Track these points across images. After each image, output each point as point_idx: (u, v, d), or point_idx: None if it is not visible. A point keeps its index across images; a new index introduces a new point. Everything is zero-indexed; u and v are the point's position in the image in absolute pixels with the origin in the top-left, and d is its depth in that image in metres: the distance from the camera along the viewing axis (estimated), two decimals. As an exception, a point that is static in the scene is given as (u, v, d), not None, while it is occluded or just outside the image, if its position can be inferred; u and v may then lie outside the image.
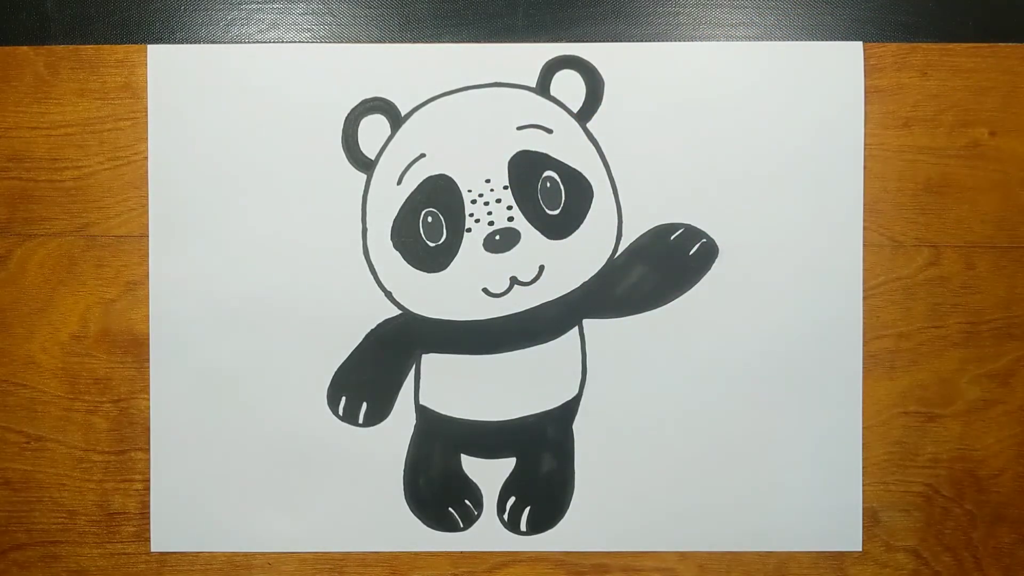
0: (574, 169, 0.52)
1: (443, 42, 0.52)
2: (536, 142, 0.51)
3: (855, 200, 0.52)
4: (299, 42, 0.53)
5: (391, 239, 0.52)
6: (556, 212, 0.51)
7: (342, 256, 0.52)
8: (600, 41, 0.52)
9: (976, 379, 0.53)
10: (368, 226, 0.52)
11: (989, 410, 0.53)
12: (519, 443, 0.53)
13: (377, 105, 0.52)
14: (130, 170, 0.52)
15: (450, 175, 0.51)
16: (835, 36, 0.52)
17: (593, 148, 0.52)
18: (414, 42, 0.52)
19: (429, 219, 0.51)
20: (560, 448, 0.53)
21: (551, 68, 0.52)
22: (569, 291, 0.52)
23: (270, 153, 0.52)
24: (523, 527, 0.53)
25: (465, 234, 0.51)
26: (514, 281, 0.52)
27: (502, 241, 0.51)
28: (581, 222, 0.52)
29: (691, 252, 0.52)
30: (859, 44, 0.52)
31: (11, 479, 0.53)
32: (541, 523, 0.53)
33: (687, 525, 0.53)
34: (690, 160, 0.52)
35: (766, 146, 0.52)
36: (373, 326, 0.52)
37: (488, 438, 0.53)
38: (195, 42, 0.52)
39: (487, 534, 0.53)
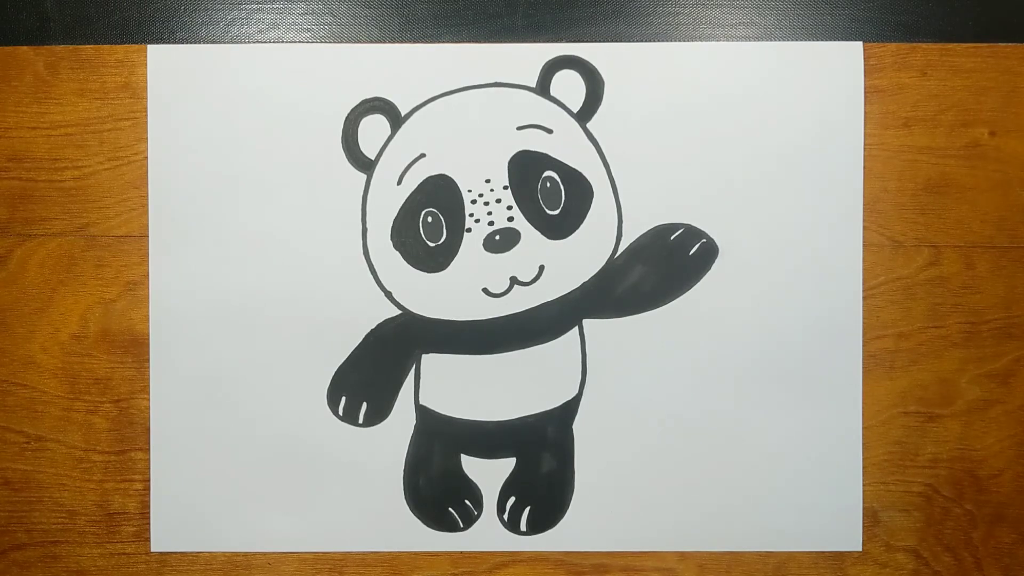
0: (574, 169, 0.52)
1: (443, 42, 0.52)
2: (536, 142, 0.51)
3: (855, 200, 0.52)
4: (299, 42, 0.53)
5: (391, 239, 0.52)
6: (556, 212, 0.51)
7: (342, 256, 0.52)
8: (600, 41, 0.52)
9: (976, 379, 0.53)
10: (368, 226, 0.52)
11: (989, 410, 0.53)
12: (519, 443, 0.53)
13: (377, 105, 0.52)
14: (130, 170, 0.52)
15: (450, 175, 0.51)
16: (835, 36, 0.52)
17: (593, 148, 0.52)
18: (414, 42, 0.52)
19: (429, 219, 0.51)
20: (560, 448, 0.53)
21: (551, 68, 0.52)
22: (569, 291, 0.52)
23: (270, 153, 0.52)
24: (523, 527, 0.53)
25: (465, 234, 0.51)
26: (514, 281, 0.52)
27: (502, 241, 0.51)
28: (581, 222, 0.52)
29: (691, 252, 0.52)
30: (859, 44, 0.52)
31: (11, 479, 0.53)
32: (541, 523, 0.53)
33: (687, 525, 0.53)
34: (690, 160, 0.52)
35: (766, 146, 0.52)
36: (373, 326, 0.52)
37: (488, 438, 0.53)
38: (195, 42, 0.52)
39: (487, 534, 0.53)
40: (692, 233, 0.52)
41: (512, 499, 0.53)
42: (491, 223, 0.51)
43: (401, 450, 0.53)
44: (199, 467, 0.53)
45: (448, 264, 0.52)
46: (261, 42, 0.53)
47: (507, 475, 0.53)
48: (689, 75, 0.52)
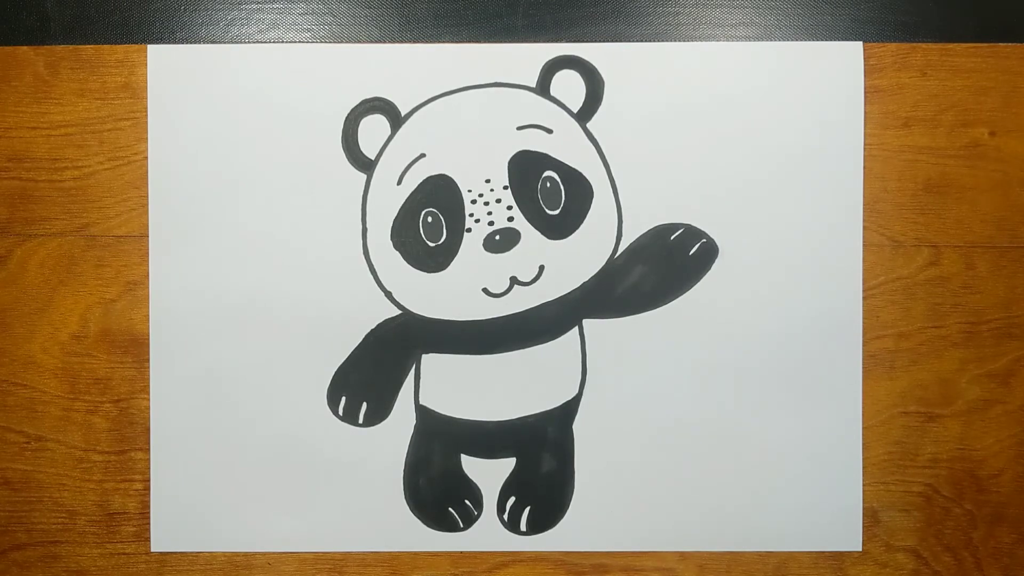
0: (574, 169, 0.52)
1: (443, 42, 0.52)
2: (536, 142, 0.51)
3: (855, 200, 0.52)
4: (299, 42, 0.53)
5: (391, 239, 0.52)
6: (556, 212, 0.51)
7: (342, 256, 0.52)
8: (600, 41, 0.52)
9: (976, 379, 0.53)
10: (368, 226, 0.52)
11: (989, 410, 0.53)
12: (519, 443, 0.53)
13: (377, 105, 0.52)
14: (130, 170, 0.52)
15: (450, 175, 0.51)
16: (835, 36, 0.52)
17: (593, 148, 0.52)
18: (414, 42, 0.52)
19: (429, 219, 0.51)
20: (560, 448, 0.53)
21: (551, 68, 0.52)
22: (569, 291, 0.52)
23: (270, 153, 0.52)
24: (523, 527, 0.53)
25: (465, 234, 0.51)
26: (514, 281, 0.52)
27: (502, 241, 0.51)
28: (581, 222, 0.52)
29: (691, 252, 0.52)
30: (859, 44, 0.52)
31: (11, 479, 0.53)
32: (541, 523, 0.53)
33: (687, 525, 0.53)
34: (690, 160, 0.52)
35: (766, 146, 0.52)
36: (373, 326, 0.52)
37: (488, 438, 0.53)
38: (195, 42, 0.52)
39: (487, 534, 0.53)
40: (692, 233, 0.52)
41: (512, 499, 0.53)
42: (491, 223, 0.51)
43: (401, 450, 0.53)
44: (199, 467, 0.53)
45: (448, 264, 0.52)
46: (261, 42, 0.53)
47: (507, 475, 0.53)
48: (689, 75, 0.52)
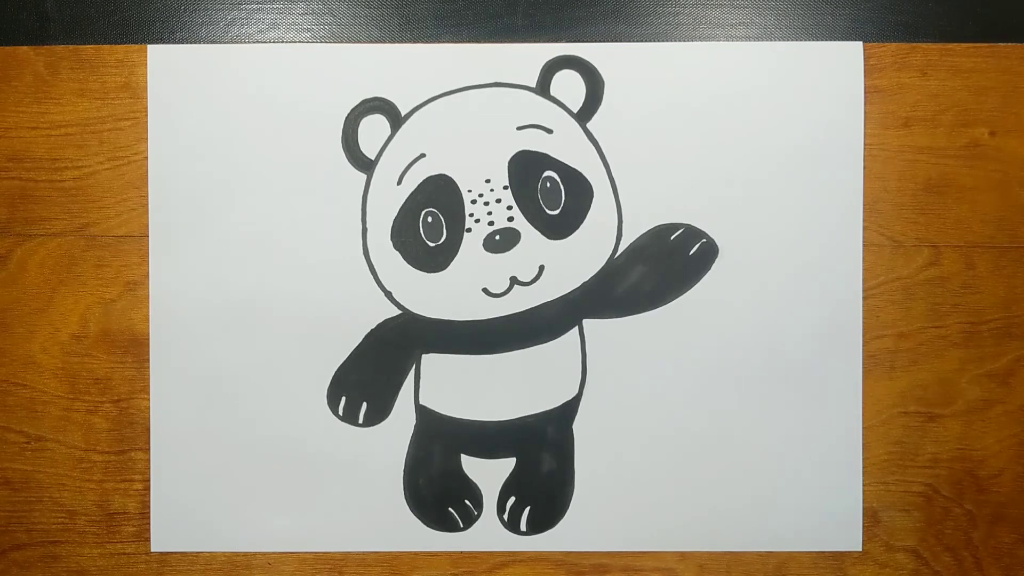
0: (574, 169, 0.52)
1: (443, 42, 0.52)
2: (536, 142, 0.51)
3: (855, 200, 0.52)
4: (299, 42, 0.53)
5: (391, 239, 0.52)
6: (556, 212, 0.51)
7: (342, 256, 0.52)
8: (600, 41, 0.52)
9: (976, 379, 0.53)
10: (368, 226, 0.52)
11: (989, 410, 0.53)
12: (519, 443, 0.53)
13: (377, 105, 0.52)
14: (130, 170, 0.52)
15: (450, 175, 0.51)
16: (835, 36, 0.52)
17: (593, 148, 0.52)
18: (414, 42, 0.52)
19: (429, 219, 0.51)
20: (560, 448, 0.53)
21: (551, 68, 0.52)
22: (569, 291, 0.52)
23: (270, 153, 0.52)
24: (523, 527, 0.53)
25: (465, 234, 0.51)
26: (514, 281, 0.52)
27: (502, 241, 0.51)
28: (581, 222, 0.52)
29: (691, 252, 0.52)
30: (859, 44, 0.52)
31: (11, 479, 0.53)
32: (541, 523, 0.53)
33: (687, 525, 0.53)
34: (690, 160, 0.52)
35: (766, 146, 0.52)
36: (373, 326, 0.52)
37: (488, 438, 0.53)
38: (195, 42, 0.52)
39: (487, 534, 0.53)
40: (692, 233, 0.52)
41: (512, 499, 0.53)
42: (491, 223, 0.51)
43: (401, 450, 0.53)
44: (199, 467, 0.53)
45: (448, 264, 0.52)
46: (261, 42, 0.53)
47: (507, 475, 0.53)
48: (689, 75, 0.52)
